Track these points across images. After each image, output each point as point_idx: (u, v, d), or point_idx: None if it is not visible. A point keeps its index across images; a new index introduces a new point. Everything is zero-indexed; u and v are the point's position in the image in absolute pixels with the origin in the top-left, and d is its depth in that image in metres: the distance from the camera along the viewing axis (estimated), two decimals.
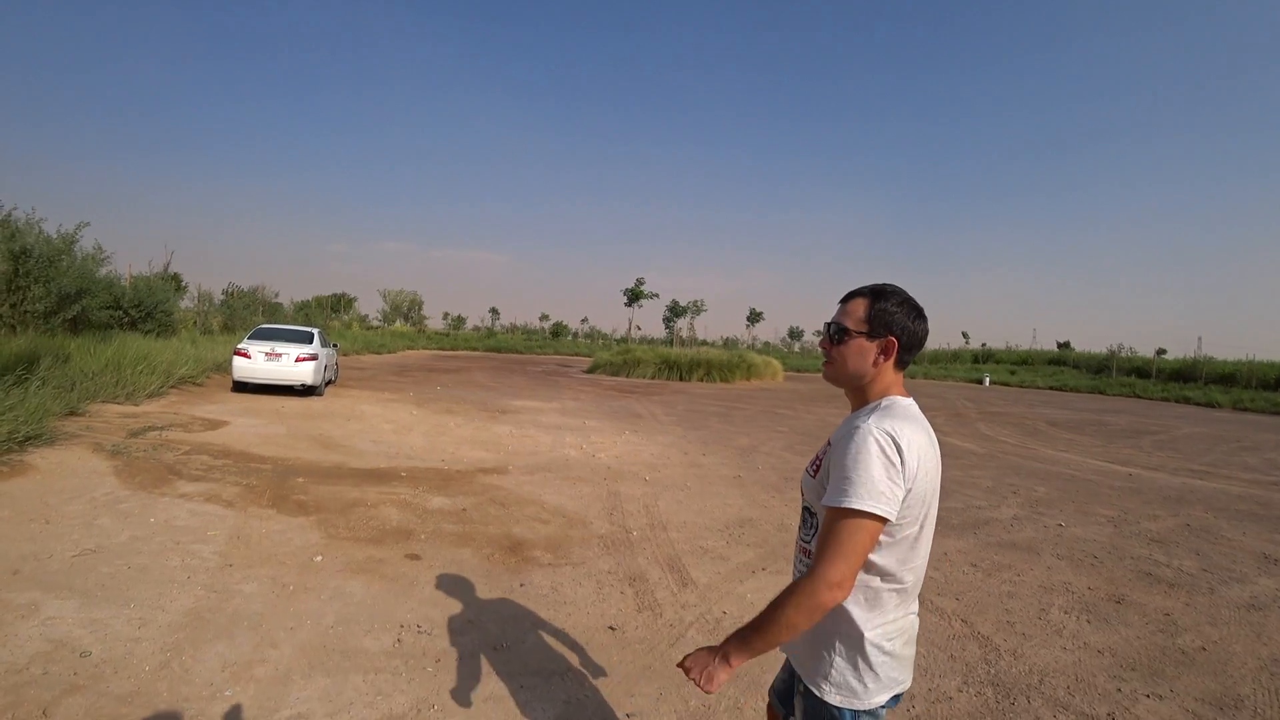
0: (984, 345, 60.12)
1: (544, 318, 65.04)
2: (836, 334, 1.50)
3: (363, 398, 13.44)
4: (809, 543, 1.49)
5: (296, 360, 12.41)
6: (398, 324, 52.62)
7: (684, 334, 44.26)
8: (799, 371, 38.80)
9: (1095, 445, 12.99)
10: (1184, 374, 41.26)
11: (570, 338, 61.06)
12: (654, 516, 5.87)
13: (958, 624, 3.86)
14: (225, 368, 14.15)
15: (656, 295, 40.18)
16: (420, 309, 57.81)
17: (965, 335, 62.00)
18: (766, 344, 56.35)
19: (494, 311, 64.11)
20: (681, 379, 25.43)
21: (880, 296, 1.48)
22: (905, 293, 1.51)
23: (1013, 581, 4.65)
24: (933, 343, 64.89)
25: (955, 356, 56.71)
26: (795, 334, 65.76)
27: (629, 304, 39.33)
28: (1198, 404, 30.93)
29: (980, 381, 41.36)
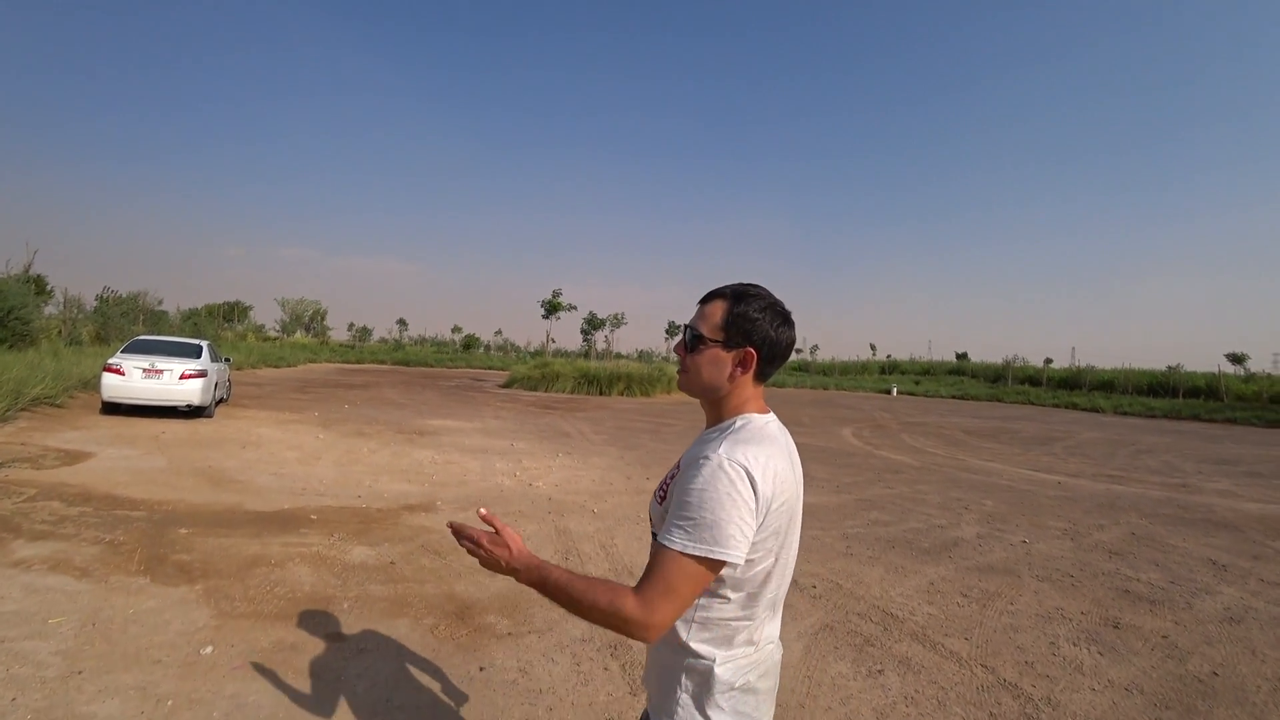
0: (889, 357, 62.65)
1: (456, 330, 62.89)
2: (690, 340, 1.34)
3: (260, 419, 11.96)
4: None
5: (181, 377, 10.87)
6: (298, 335, 49.43)
7: (600, 347, 43.56)
8: None
9: (1015, 453, 13.61)
10: (1070, 382, 44.21)
11: (483, 350, 59.37)
12: (615, 559, 5.10)
13: (980, 671, 3.56)
14: (94, 385, 12.31)
15: (575, 307, 39.16)
16: (323, 319, 54.58)
17: (873, 347, 64.25)
18: (668, 356, 56.32)
19: (402, 323, 61.32)
20: (602, 393, 24.89)
21: (741, 300, 1.31)
22: (770, 296, 1.35)
23: (1010, 612, 4.47)
24: (843, 354, 67.37)
25: (864, 368, 58.73)
26: None
27: (546, 316, 38.15)
28: (1084, 409, 32.97)
29: (888, 392, 42.73)
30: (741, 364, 1.31)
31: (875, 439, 15.22)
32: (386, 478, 7.52)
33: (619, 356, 43.15)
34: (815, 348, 62.90)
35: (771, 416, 1.36)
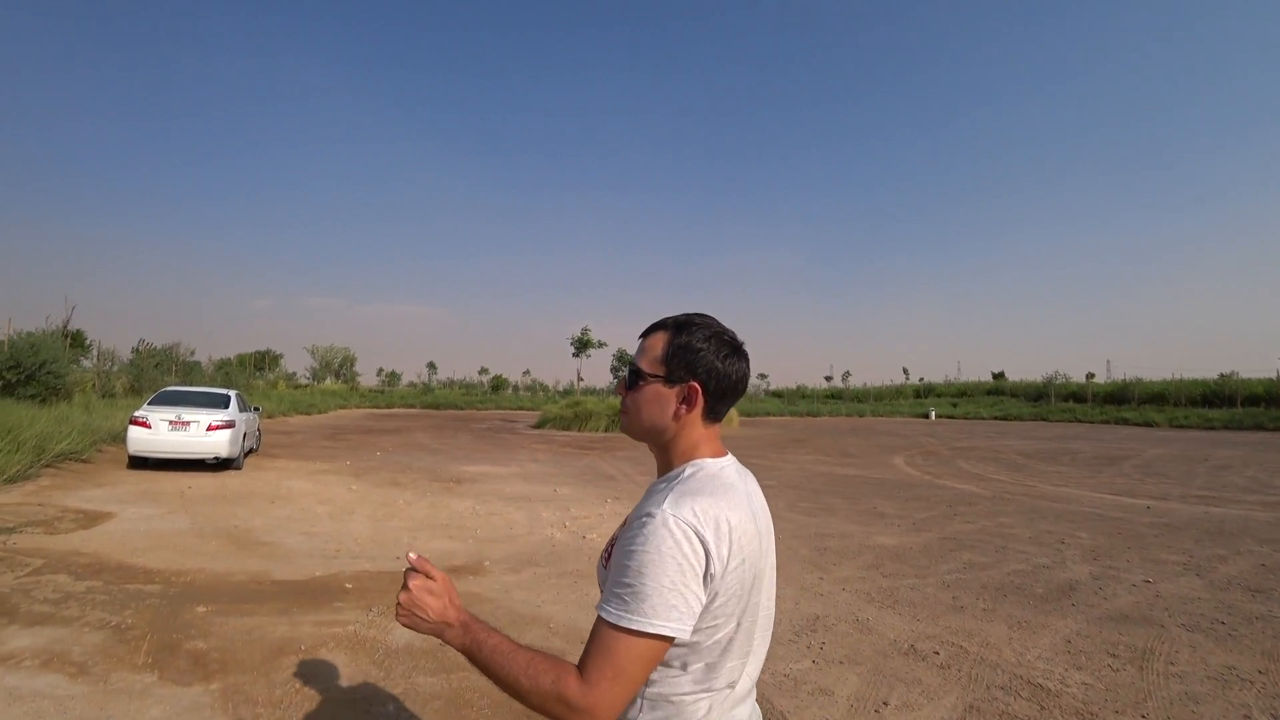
0: (922, 380, 60.96)
1: (483, 371, 62.77)
2: (630, 378, 1.20)
3: (290, 470, 11.41)
4: None
5: (209, 429, 10.38)
6: (328, 382, 49.46)
7: None
8: (750, 416, 38.01)
9: (1085, 476, 13.00)
10: (1117, 396, 42.46)
11: (511, 391, 59.04)
12: None
13: None
14: (122, 439, 11.91)
15: (604, 344, 38.55)
16: (352, 365, 54.59)
17: (905, 371, 62.59)
18: None
19: (431, 366, 61.30)
20: None
21: (683, 330, 1.17)
22: (717, 324, 1.20)
23: (1176, 675, 3.81)
24: (875, 379, 65.85)
25: (898, 393, 57.27)
26: None
27: (576, 354, 37.53)
28: (1136, 424, 31.54)
29: (926, 416, 41.40)
30: (686, 401, 1.15)
31: (931, 467, 14.60)
32: (426, 534, 6.83)
33: None
34: (847, 374, 61.62)
35: (728, 460, 1.20)
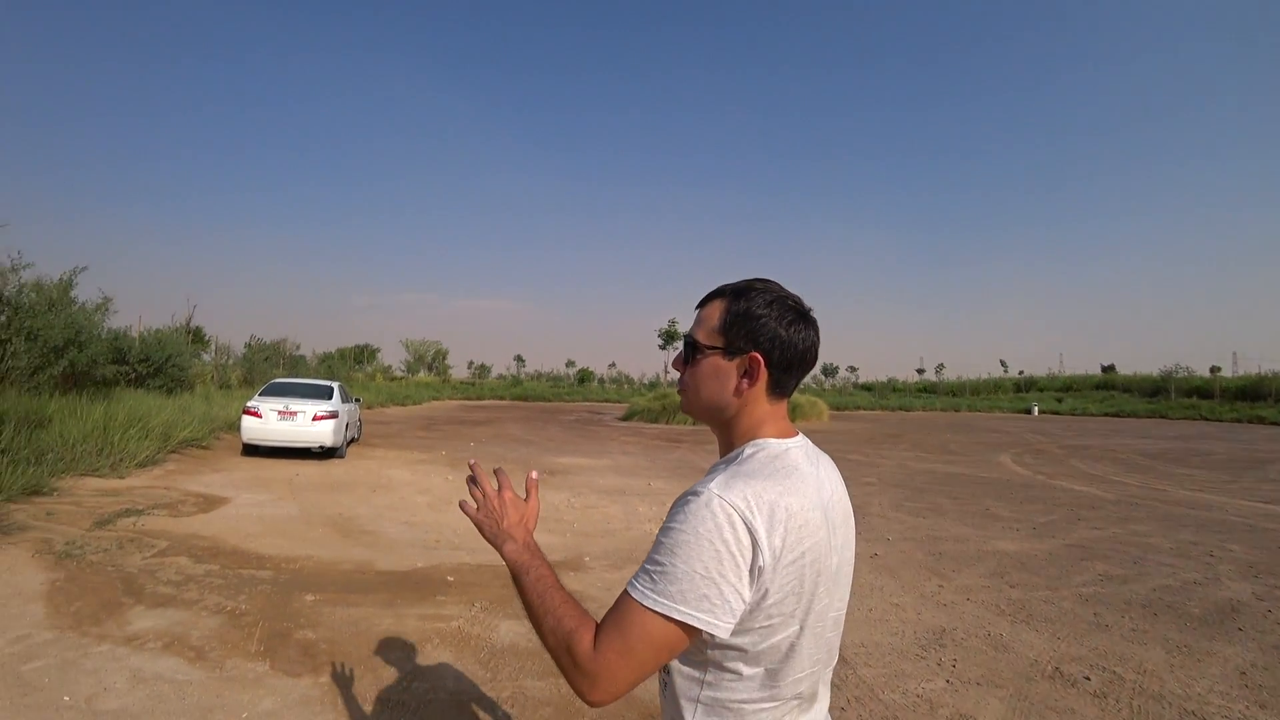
0: (1022, 373, 57.48)
1: (570, 364, 63.68)
2: (686, 351, 1.10)
3: (390, 459, 11.72)
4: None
5: (314, 419, 10.78)
6: (422, 374, 51.28)
7: None
8: (840, 410, 36.80)
9: (1224, 481, 11.85)
10: (1250, 392, 38.65)
11: (597, 383, 59.61)
12: None
13: None
14: (237, 427, 12.57)
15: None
16: (444, 359, 56.32)
17: (1004, 364, 59.16)
18: None
19: (519, 359, 62.75)
20: None
21: (741, 296, 1.05)
22: (779, 289, 1.07)
23: None
24: (970, 372, 62.50)
25: (996, 386, 54.28)
26: (829, 370, 63.36)
27: (663, 346, 37.34)
28: (1275, 423, 28.34)
29: (1028, 411, 38.95)
30: (748, 374, 1.02)
31: (1044, 466, 13.62)
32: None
33: None
34: (941, 367, 58.91)
35: (796, 441, 1.05)
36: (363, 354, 45.04)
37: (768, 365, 1.02)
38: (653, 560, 0.91)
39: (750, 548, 0.89)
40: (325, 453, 11.20)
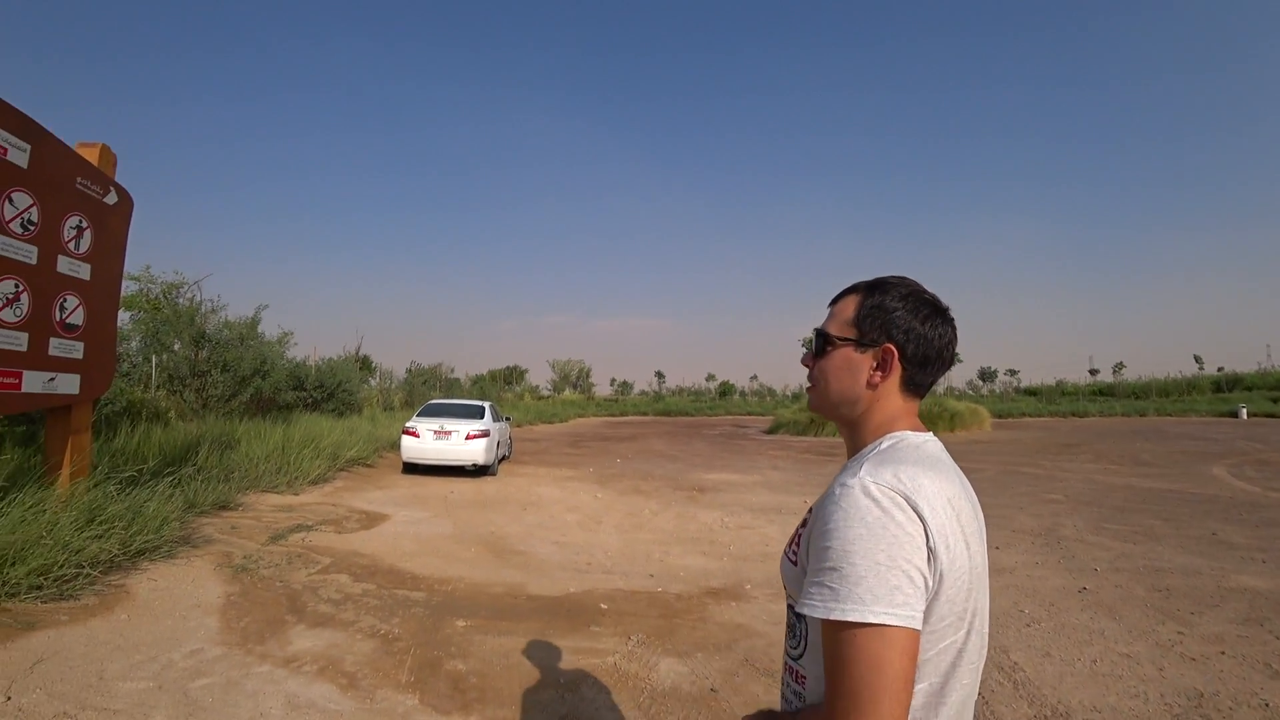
0: (1221, 369, 49.33)
1: (710, 378, 63.37)
2: (818, 344, 1.08)
3: (539, 476, 11.78)
4: (798, 660, 0.96)
5: (467, 438, 11.03)
6: (567, 392, 52.94)
7: None
8: (1003, 418, 33.52)
9: None
10: None
11: (739, 396, 58.96)
12: (1031, 693, 3.27)
13: None
14: (399, 446, 13.21)
15: None
16: (588, 376, 57.92)
17: (1198, 360, 51.31)
18: (950, 388, 49.94)
19: (659, 375, 63.16)
20: None
21: (877, 290, 1.04)
22: (915, 284, 1.04)
23: None
24: (1156, 370, 54.73)
25: (1190, 385, 46.87)
26: (987, 375, 58.23)
27: None
28: None
29: (1234, 414, 33.36)
30: (881, 366, 0.99)
31: (1274, 481, 11.26)
32: (678, 549, 6.33)
33: None
34: (1120, 367, 52.32)
35: (931, 436, 1.00)
36: (511, 374, 47.11)
37: (902, 359, 0.99)
38: (826, 572, 0.81)
39: (922, 529, 0.81)
40: (478, 470, 11.43)
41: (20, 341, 4.58)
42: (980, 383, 58.07)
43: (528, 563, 5.73)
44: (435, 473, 11.42)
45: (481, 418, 11.77)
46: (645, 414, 44.55)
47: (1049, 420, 34.69)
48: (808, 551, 0.91)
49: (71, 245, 5.03)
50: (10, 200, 4.46)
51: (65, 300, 4.99)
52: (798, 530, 1.01)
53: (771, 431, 25.40)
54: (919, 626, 0.79)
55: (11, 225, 4.47)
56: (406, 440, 11.19)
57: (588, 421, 35.41)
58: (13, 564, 3.91)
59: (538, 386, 51.26)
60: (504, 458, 13.32)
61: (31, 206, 4.63)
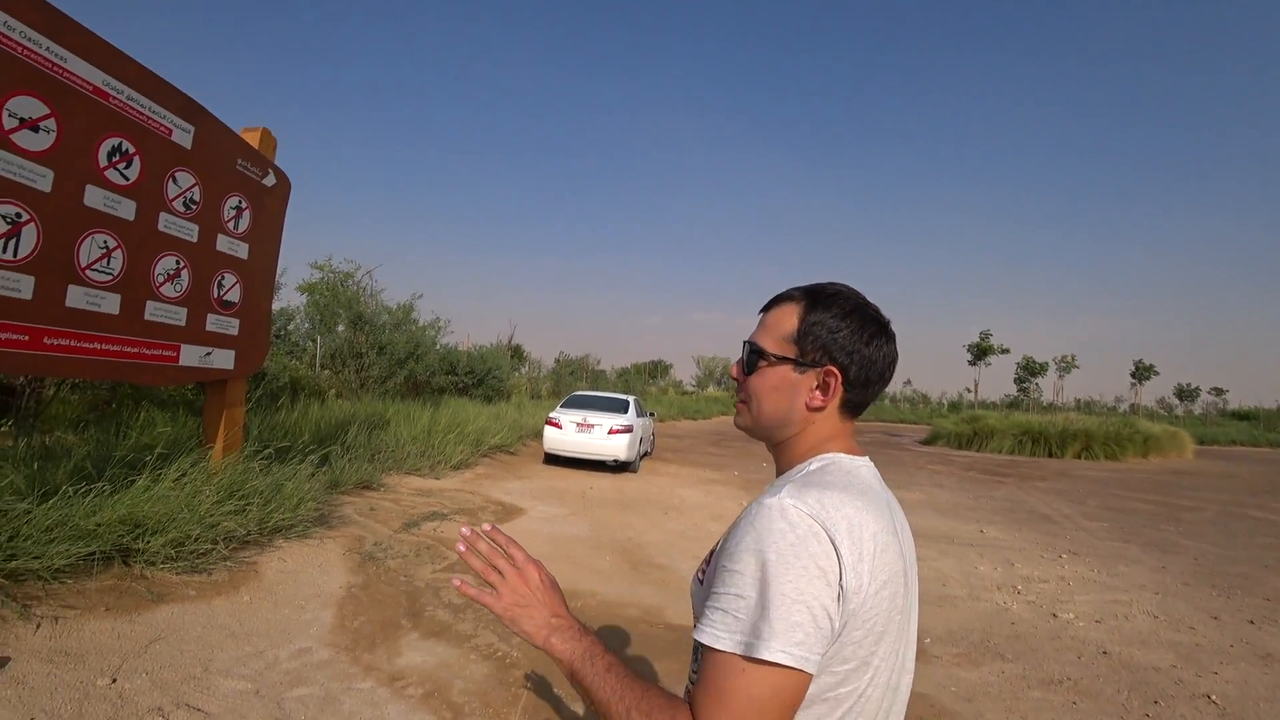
0: None
1: None
2: (748, 359, 0.99)
3: (681, 477, 11.21)
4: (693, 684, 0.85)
5: (609, 432, 10.68)
6: (711, 389, 52.40)
7: (1045, 397, 36.41)
8: (1207, 444, 28.67)
9: None
10: None
11: (889, 402, 55.91)
12: None
13: None
14: (541, 436, 13.19)
15: (1008, 350, 33.19)
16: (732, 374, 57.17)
17: None
18: (1139, 407, 43.60)
19: None
20: (1051, 454, 19.91)
21: (819, 304, 0.95)
22: (857, 296, 0.98)
23: None
24: None
25: None
26: (1186, 393, 50.41)
27: (973, 362, 32.96)
28: None
29: None
30: (822, 388, 0.93)
31: None
32: None
33: (1052, 408, 35.54)
34: None
35: (866, 461, 0.95)
36: (656, 369, 47.24)
37: (844, 381, 0.93)
38: (722, 592, 0.77)
39: (837, 565, 0.75)
40: (619, 466, 11.07)
41: (179, 316, 4.61)
42: (1176, 401, 50.62)
43: (667, 580, 5.14)
44: (576, 466, 11.19)
45: (625, 412, 11.40)
46: None
47: (1269, 451, 29.25)
48: (714, 567, 0.84)
49: (231, 225, 5.06)
50: (174, 179, 4.48)
51: (223, 278, 5.03)
52: (712, 549, 0.94)
53: (928, 442, 23.33)
54: (812, 670, 0.72)
55: (174, 203, 4.50)
56: (549, 431, 11.04)
57: (731, 420, 34.52)
58: (154, 533, 3.87)
59: (681, 382, 51.11)
60: (646, 454, 12.91)
61: (194, 186, 4.65)
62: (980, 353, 31.87)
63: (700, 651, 0.79)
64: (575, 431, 10.80)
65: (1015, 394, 39.35)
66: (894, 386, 59.66)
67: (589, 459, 10.86)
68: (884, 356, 0.94)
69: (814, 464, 0.91)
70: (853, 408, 0.95)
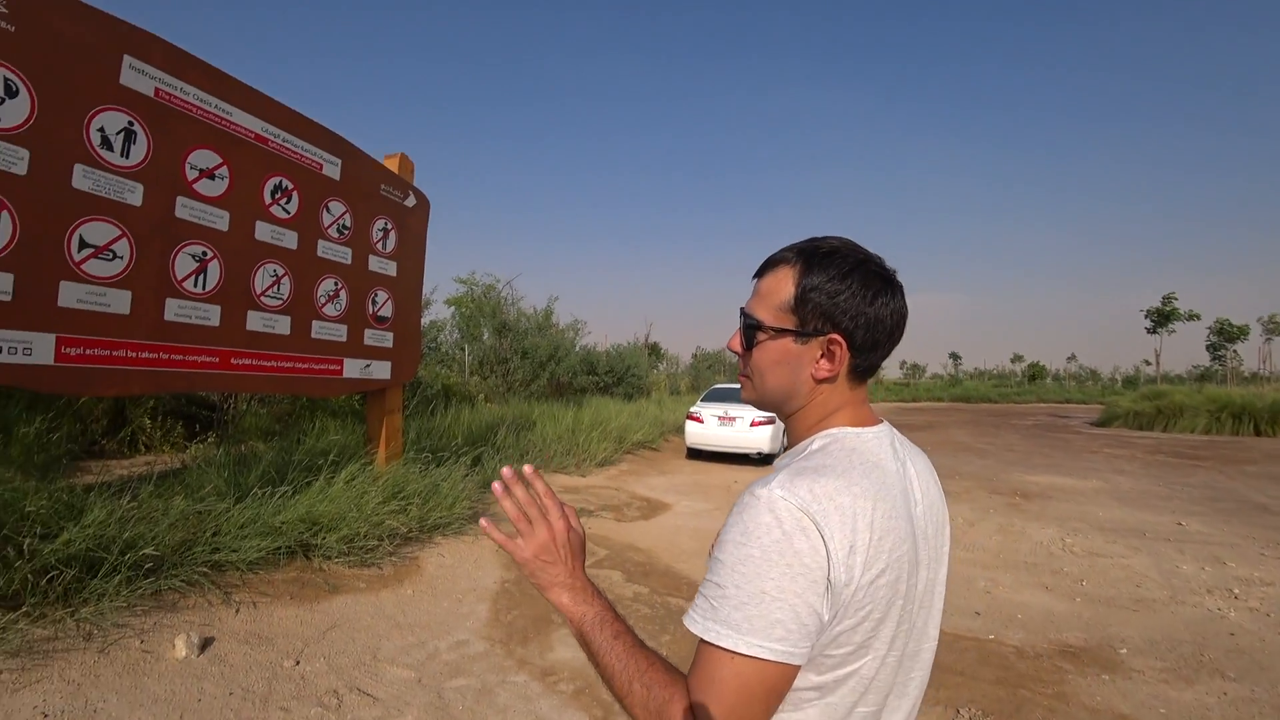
0: None
1: (1016, 358, 55.62)
2: (746, 332, 0.93)
3: None
4: None
5: (752, 424, 10.50)
6: None
7: (1249, 365, 31.60)
8: None
9: None
10: None
11: (1051, 380, 51.09)
12: None
13: None
14: (683, 430, 13.22)
15: (1197, 316, 29.03)
16: None
17: None
18: None
19: (954, 356, 57.11)
20: (1259, 432, 17.32)
21: (815, 265, 0.87)
22: (858, 250, 0.89)
23: None
24: None
25: None
26: None
27: (1153, 329, 29.14)
28: None
29: None
30: (827, 357, 0.87)
31: None
32: (1008, 577, 5.01)
33: (1260, 380, 30.73)
34: None
35: (877, 430, 0.89)
36: None
37: (850, 347, 0.86)
38: (710, 584, 0.77)
39: (824, 558, 0.73)
40: (763, 459, 10.86)
41: (340, 333, 5.03)
42: None
43: None
44: (719, 459, 11.10)
45: None
46: (940, 400, 40.48)
47: None
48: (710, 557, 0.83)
49: (379, 245, 5.44)
50: (328, 209, 4.89)
51: (376, 295, 5.42)
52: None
53: (1103, 424, 20.98)
54: (799, 662, 0.73)
55: (330, 230, 4.91)
56: (690, 426, 11.03)
57: (877, 407, 32.73)
58: (329, 531, 4.24)
59: None
60: (787, 447, 12.58)
61: (345, 213, 5.05)
62: (1161, 319, 28.16)
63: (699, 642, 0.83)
64: (717, 425, 10.71)
65: (1209, 364, 34.51)
66: (1058, 362, 54.45)
67: (732, 453, 10.72)
68: (892, 314, 0.87)
69: (815, 443, 0.87)
70: (862, 373, 0.90)
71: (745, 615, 0.72)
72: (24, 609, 2.74)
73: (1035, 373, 52.97)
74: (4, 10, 2.89)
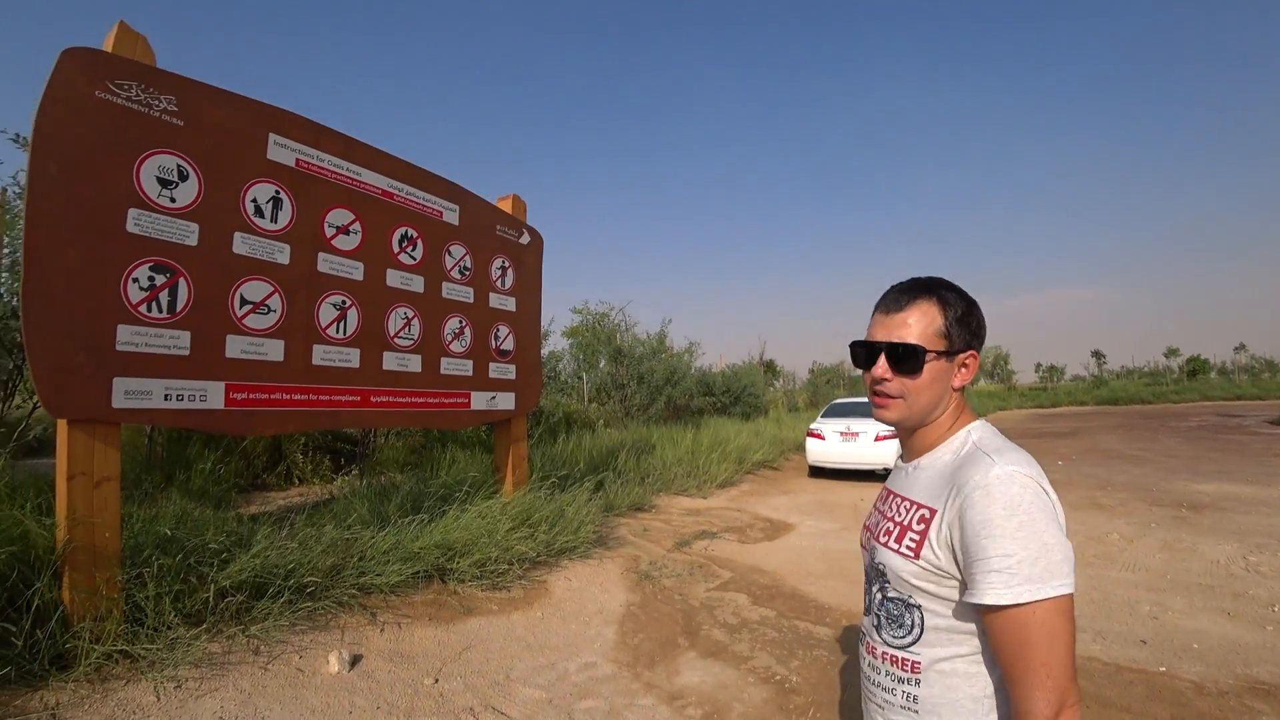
0: None
1: (1171, 353, 49.93)
2: (905, 359, 1.08)
3: None
4: (907, 648, 1.06)
5: (876, 439, 10.07)
6: (982, 383, 47.22)
7: None
8: None
9: None
10: None
11: (1216, 374, 45.46)
12: None
13: None
14: (804, 448, 12.85)
15: None
16: (1006, 364, 50.46)
17: None
18: None
19: (1097, 355, 51.86)
20: None
21: (955, 297, 1.10)
22: (957, 285, 1.15)
23: None
24: None
25: None
26: None
27: None
28: None
29: None
30: (965, 369, 1.11)
31: None
32: (1178, 601, 4.49)
33: None
34: None
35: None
36: None
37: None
38: (997, 556, 0.92)
39: (1054, 507, 0.96)
40: (887, 475, 10.37)
41: (467, 368, 5.33)
42: None
43: None
44: (843, 476, 10.71)
45: None
46: (1083, 403, 37.05)
47: None
48: (948, 545, 0.99)
49: (498, 283, 5.73)
50: (449, 252, 5.22)
51: (498, 330, 5.70)
52: (895, 521, 1.11)
53: None
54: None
55: (452, 272, 5.23)
56: (811, 443, 10.73)
57: (1010, 415, 30.77)
58: (462, 556, 4.46)
59: None
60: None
61: (465, 255, 5.37)
62: None
63: (923, 614, 1.03)
64: (839, 441, 10.36)
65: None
66: (1223, 354, 48.52)
67: (856, 469, 10.33)
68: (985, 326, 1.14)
69: (974, 433, 1.09)
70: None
71: (1047, 564, 0.91)
72: (204, 626, 3.07)
73: (1196, 367, 47.37)
74: (174, 109, 3.33)
